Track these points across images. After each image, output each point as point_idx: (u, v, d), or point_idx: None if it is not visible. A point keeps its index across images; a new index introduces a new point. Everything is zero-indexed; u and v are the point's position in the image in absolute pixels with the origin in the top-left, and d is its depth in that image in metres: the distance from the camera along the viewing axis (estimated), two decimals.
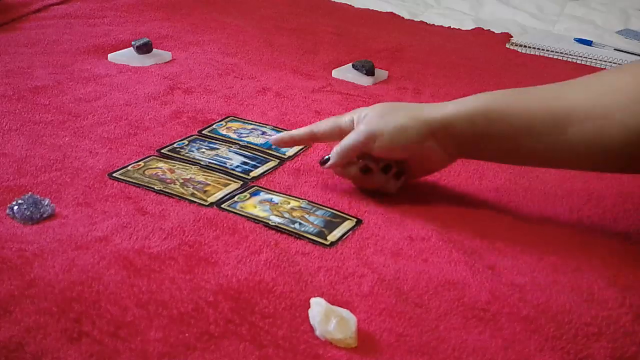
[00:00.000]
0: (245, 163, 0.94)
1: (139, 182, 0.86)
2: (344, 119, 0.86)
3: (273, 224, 0.80)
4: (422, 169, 0.88)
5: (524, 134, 0.78)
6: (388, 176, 0.86)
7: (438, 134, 0.82)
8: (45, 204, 0.77)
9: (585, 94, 0.77)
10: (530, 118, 0.78)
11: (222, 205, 0.83)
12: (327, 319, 0.62)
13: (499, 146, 0.81)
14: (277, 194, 0.87)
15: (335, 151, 0.86)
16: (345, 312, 0.64)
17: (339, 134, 0.86)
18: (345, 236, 0.79)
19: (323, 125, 0.89)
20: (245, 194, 0.86)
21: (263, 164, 0.94)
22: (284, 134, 0.92)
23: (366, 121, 0.83)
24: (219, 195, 0.85)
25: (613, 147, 0.75)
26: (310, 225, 0.80)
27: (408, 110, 0.83)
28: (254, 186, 0.88)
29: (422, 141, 0.82)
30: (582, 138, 0.76)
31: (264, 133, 1.04)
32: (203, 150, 0.97)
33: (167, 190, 0.85)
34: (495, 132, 0.80)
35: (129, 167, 0.90)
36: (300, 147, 0.99)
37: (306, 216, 0.82)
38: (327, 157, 0.86)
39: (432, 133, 0.82)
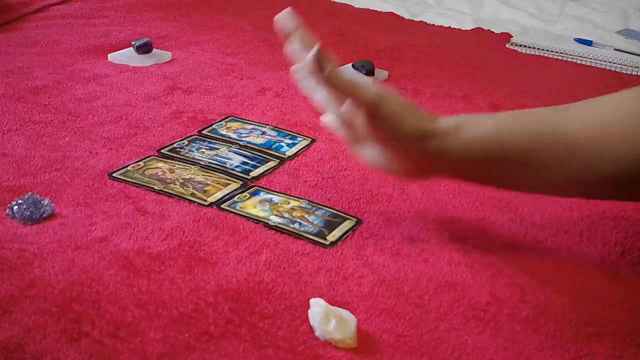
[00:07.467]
0: (245, 163, 0.94)
1: (139, 182, 0.86)
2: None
3: (273, 224, 0.80)
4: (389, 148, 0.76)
5: (525, 161, 0.74)
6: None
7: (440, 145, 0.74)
8: (45, 204, 0.77)
9: (581, 125, 0.73)
10: (533, 141, 0.74)
11: (222, 206, 0.83)
12: (327, 319, 0.62)
13: (494, 168, 0.75)
14: (277, 193, 0.87)
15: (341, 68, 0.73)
16: (344, 313, 0.64)
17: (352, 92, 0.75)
18: (345, 236, 0.79)
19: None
20: (245, 194, 0.86)
21: (263, 164, 0.94)
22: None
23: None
24: (218, 195, 0.85)
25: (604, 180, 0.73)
26: (310, 225, 0.80)
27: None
28: (253, 186, 0.88)
29: (419, 140, 0.73)
30: (572, 171, 0.73)
31: (263, 133, 1.04)
32: (203, 150, 0.97)
33: (167, 190, 0.85)
34: (500, 155, 0.74)
35: (128, 167, 0.90)
36: (301, 146, 0.99)
37: (306, 216, 0.82)
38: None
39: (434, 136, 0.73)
